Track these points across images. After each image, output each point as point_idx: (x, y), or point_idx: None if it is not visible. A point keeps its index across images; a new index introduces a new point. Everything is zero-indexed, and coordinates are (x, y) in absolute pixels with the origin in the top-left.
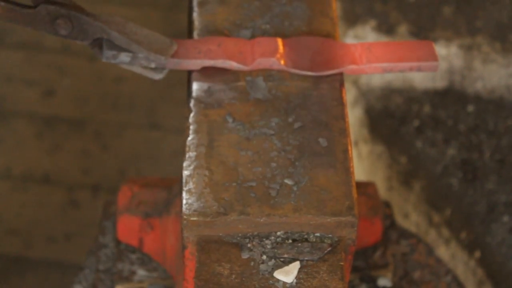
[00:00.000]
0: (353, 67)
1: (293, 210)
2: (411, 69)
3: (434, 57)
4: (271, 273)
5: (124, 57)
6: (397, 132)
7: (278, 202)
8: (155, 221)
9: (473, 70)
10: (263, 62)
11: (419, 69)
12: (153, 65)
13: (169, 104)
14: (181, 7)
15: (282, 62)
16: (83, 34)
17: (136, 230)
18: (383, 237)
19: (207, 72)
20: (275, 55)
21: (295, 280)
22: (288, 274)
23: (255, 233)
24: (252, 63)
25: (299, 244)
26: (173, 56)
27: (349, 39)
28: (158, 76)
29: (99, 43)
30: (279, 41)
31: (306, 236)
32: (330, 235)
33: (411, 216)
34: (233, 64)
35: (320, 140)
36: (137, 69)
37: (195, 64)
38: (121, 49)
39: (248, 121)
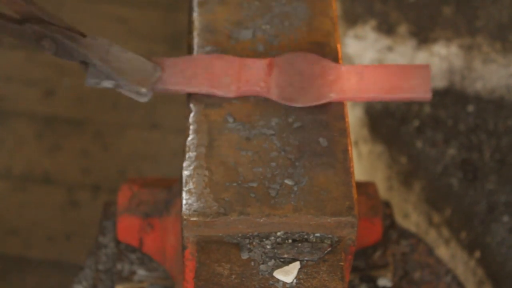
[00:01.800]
0: (341, 96)
1: (293, 210)
2: (401, 99)
3: (426, 87)
4: (271, 273)
5: (107, 84)
6: (397, 132)
7: (278, 202)
8: (155, 221)
9: (473, 70)
10: (248, 92)
11: (410, 100)
12: (134, 95)
13: (169, 104)
14: (181, 7)
15: (267, 91)
16: (69, 56)
17: (136, 230)
18: (383, 237)
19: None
20: (259, 84)
21: (295, 280)
22: (288, 274)
23: (255, 233)
24: (237, 91)
25: (299, 244)
26: (157, 81)
27: (349, 39)
28: (143, 99)
29: (86, 63)
30: (268, 63)
31: (306, 236)
32: (330, 235)
33: (411, 216)
34: (216, 92)
35: (320, 140)
36: (124, 92)
37: (179, 90)
38: (104, 75)
39: (248, 121)
